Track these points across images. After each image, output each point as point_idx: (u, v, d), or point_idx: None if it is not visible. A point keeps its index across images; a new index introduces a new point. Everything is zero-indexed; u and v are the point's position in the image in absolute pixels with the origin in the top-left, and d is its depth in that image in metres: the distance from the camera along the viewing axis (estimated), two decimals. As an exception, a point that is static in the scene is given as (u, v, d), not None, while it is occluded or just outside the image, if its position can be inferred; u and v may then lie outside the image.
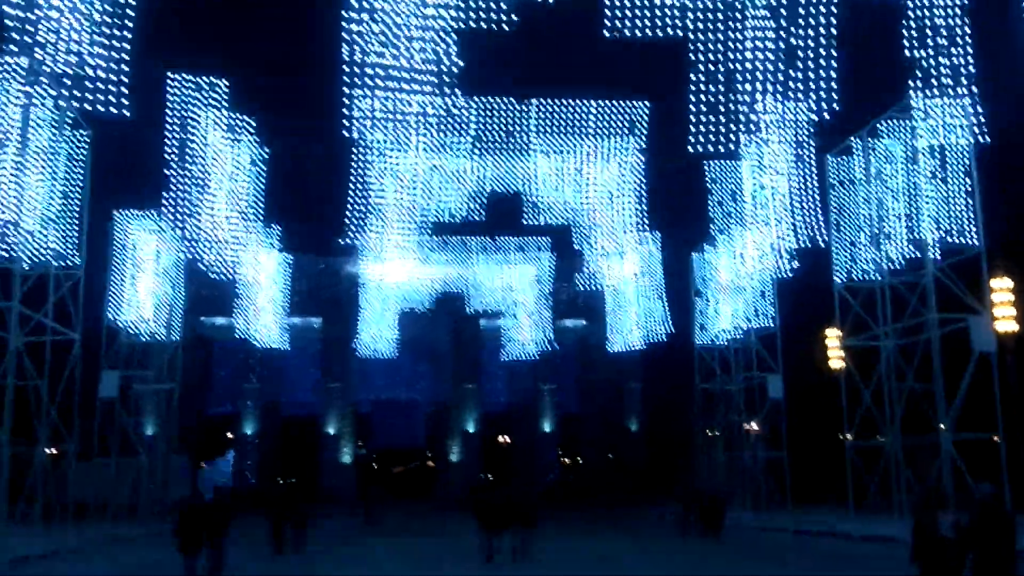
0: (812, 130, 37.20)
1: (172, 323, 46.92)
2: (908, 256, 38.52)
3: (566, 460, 75.47)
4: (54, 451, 40.60)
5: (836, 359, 47.96)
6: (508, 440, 77.51)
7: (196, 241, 37.05)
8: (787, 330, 46.90)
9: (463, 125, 38.63)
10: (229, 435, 72.53)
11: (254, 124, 38.35)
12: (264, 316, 48.91)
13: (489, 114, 39.19)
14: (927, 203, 37.36)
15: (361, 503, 41.59)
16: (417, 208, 39.97)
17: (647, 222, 41.53)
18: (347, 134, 33.94)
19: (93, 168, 40.25)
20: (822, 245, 39.44)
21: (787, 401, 46.92)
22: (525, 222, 42.20)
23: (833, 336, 47.14)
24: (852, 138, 40.37)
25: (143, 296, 44.70)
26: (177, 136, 35.88)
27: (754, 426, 51.00)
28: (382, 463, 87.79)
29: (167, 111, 35.30)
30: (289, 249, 49.60)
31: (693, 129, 31.82)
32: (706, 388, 51.80)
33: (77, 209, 38.71)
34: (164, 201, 35.74)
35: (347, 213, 38.58)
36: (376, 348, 50.35)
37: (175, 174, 36.25)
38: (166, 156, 35.99)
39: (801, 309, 46.55)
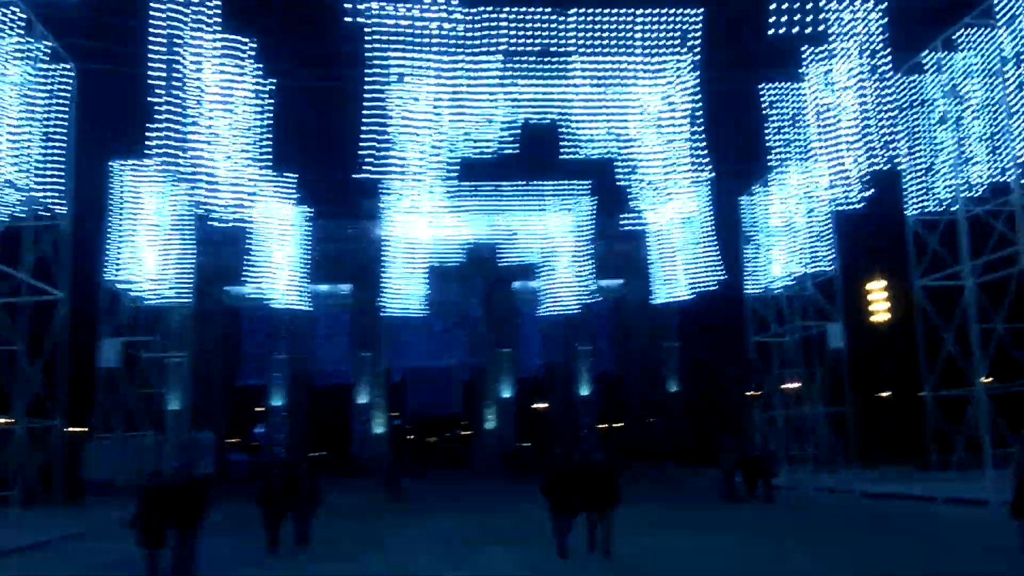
0: (884, 40, 30.64)
1: (182, 285, 41.04)
2: (992, 181, 32.06)
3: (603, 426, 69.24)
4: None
5: (882, 312, 41.58)
6: (545, 405, 71.87)
7: (195, 184, 31.02)
8: (848, 273, 40.26)
9: (491, 41, 32.18)
10: (258, 409, 67.42)
11: (254, 47, 32.06)
12: (282, 274, 42.88)
13: (521, 27, 32.52)
14: (1014, 119, 30.75)
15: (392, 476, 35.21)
16: (443, 143, 33.64)
17: (700, 156, 34.36)
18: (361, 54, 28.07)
19: (82, 110, 34.68)
20: (901, 169, 32.69)
21: (849, 351, 40.31)
22: (563, 155, 35.20)
23: (878, 288, 40.74)
24: (924, 52, 33.68)
25: (147, 254, 38.95)
26: (165, 65, 29.87)
27: (793, 384, 44.59)
28: (417, 433, 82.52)
29: (150, 33, 29.27)
30: (307, 203, 43.36)
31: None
32: (758, 341, 44.95)
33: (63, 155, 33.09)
34: (154, 143, 29.72)
35: (364, 151, 32.15)
36: (405, 307, 44.13)
37: (167, 111, 30.27)
38: (155, 91, 29.97)
39: (862, 249, 39.90)
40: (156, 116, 29.12)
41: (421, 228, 40.05)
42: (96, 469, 38.08)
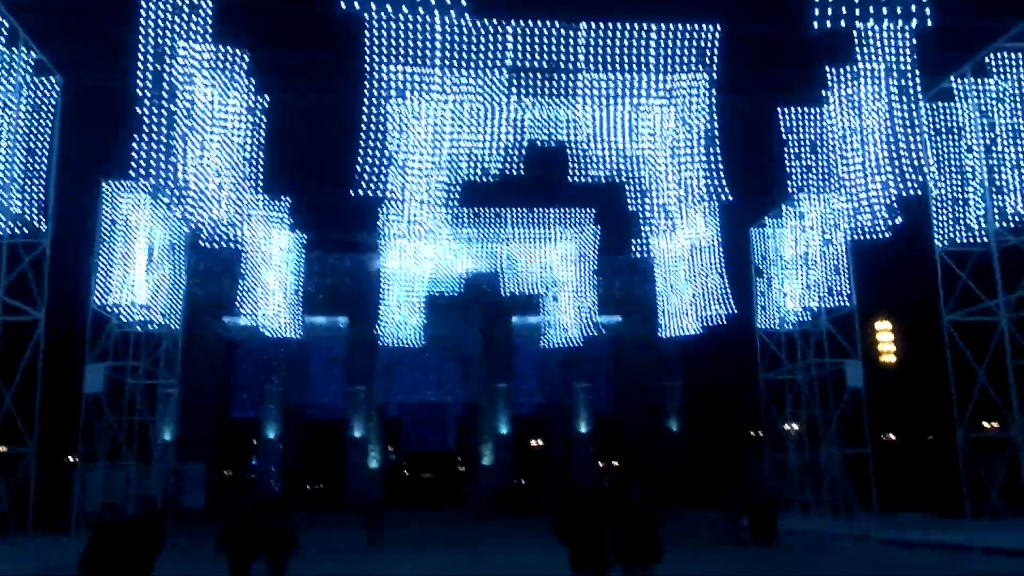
0: (913, 62, 28.03)
1: (172, 310, 37.99)
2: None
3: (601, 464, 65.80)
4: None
5: (888, 353, 38.83)
6: (541, 443, 68.63)
7: (183, 201, 28.06)
8: (867, 308, 37.29)
9: (497, 56, 29.38)
10: (254, 441, 64.07)
11: (247, 61, 29.35)
12: (275, 301, 39.86)
13: (529, 41, 29.64)
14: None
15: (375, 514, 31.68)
16: (445, 163, 30.78)
17: (716, 181, 31.30)
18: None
19: (70, 125, 32.03)
20: (929, 198, 30.00)
21: (868, 390, 37.10)
22: (571, 178, 32.18)
23: (885, 328, 37.96)
24: (952, 77, 31.18)
25: (136, 278, 35.88)
26: (153, 75, 27.06)
27: (795, 426, 41.51)
28: (411, 468, 79.13)
29: (139, 41, 26.50)
30: (302, 230, 40.51)
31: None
32: (768, 378, 41.71)
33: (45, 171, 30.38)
34: (140, 157, 26.82)
35: (361, 171, 29.21)
36: (401, 337, 41.09)
37: (154, 124, 27.44)
38: (142, 102, 27.17)
39: (882, 283, 37.03)
40: (143, 128, 26.22)
41: (420, 253, 37.14)
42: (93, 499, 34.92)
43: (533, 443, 69.09)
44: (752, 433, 45.73)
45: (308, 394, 64.19)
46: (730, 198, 31.44)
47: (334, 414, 63.15)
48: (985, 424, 34.34)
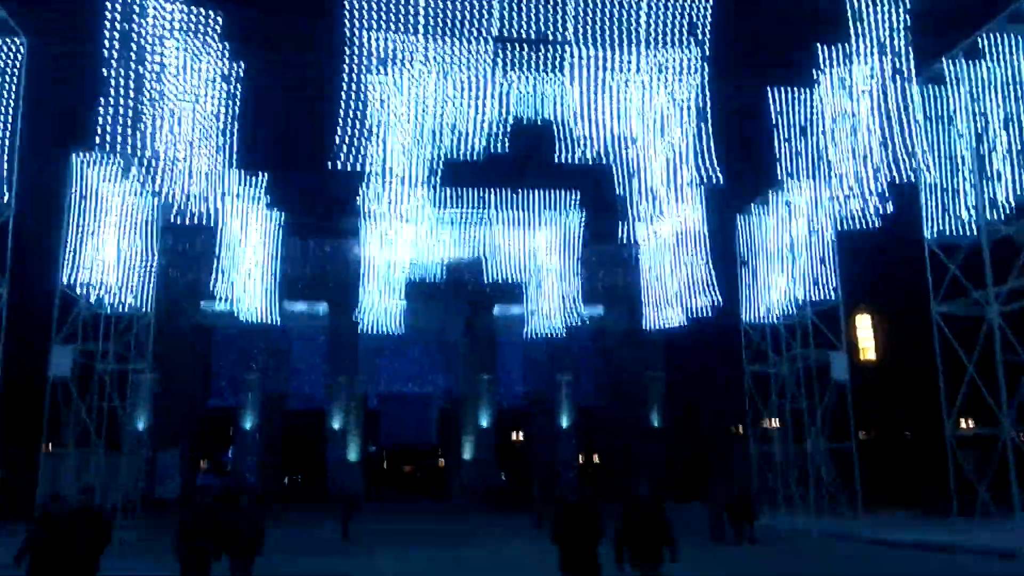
0: (907, 43, 26.81)
1: (144, 290, 36.34)
2: (1018, 200, 28.30)
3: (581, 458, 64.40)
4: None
5: (868, 350, 37.70)
6: (523, 436, 67.24)
7: (151, 172, 26.57)
8: (853, 299, 35.99)
9: (483, 25, 27.88)
10: (231, 431, 62.37)
11: (220, 24, 27.77)
12: (252, 282, 38.30)
13: (516, 10, 28.05)
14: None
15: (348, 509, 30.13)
16: (427, 138, 29.32)
17: (708, 163, 29.89)
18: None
19: (37, 92, 30.36)
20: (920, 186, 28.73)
21: (854, 384, 35.84)
22: (557, 159, 30.68)
23: (870, 321, 36.80)
24: (943, 58, 29.91)
25: (106, 255, 34.23)
26: (119, 37, 25.52)
27: (775, 423, 40.26)
28: (391, 461, 77.52)
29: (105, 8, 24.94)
30: (280, 208, 38.89)
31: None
32: (754, 371, 40.32)
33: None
34: (105, 123, 25.29)
35: (341, 142, 27.69)
36: (381, 323, 39.63)
37: (121, 91, 25.92)
38: (108, 64, 25.61)
39: (869, 273, 35.78)
40: (108, 92, 24.68)
41: (400, 236, 35.70)
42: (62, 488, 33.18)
43: (515, 436, 67.66)
44: (734, 427, 44.39)
45: (288, 383, 62.54)
46: (720, 178, 30.08)
47: (314, 403, 61.65)
48: (970, 422, 33.09)
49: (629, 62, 29.62)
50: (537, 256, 41.29)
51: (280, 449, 61.46)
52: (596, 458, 67.22)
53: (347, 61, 27.74)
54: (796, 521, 33.54)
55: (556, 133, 30.53)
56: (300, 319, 58.86)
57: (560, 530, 12.74)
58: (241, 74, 29.73)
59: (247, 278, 38.28)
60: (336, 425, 58.41)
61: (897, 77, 26.36)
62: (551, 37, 28.96)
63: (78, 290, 34.03)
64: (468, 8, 28.37)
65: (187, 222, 31.40)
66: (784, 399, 38.20)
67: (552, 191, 40.72)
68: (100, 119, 24.86)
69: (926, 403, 32.61)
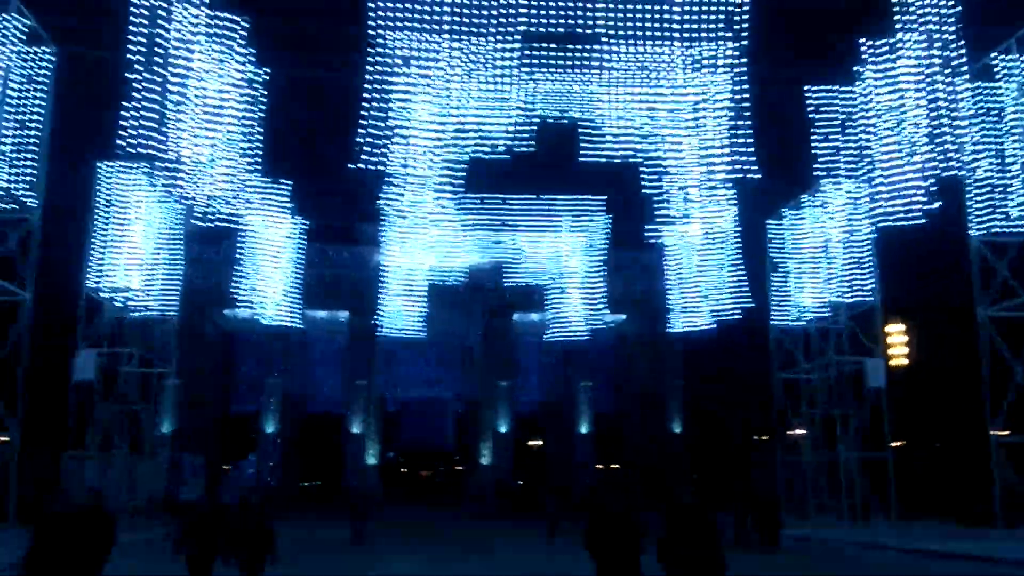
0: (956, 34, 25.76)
1: (169, 296, 35.59)
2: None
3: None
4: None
5: (900, 356, 36.64)
6: (541, 442, 66.20)
7: (176, 176, 25.76)
8: (892, 302, 34.74)
9: (509, 22, 26.75)
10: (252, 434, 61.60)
11: (246, 29, 26.95)
12: (274, 287, 37.51)
13: (541, 10, 26.83)
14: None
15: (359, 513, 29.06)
16: (451, 138, 28.31)
17: (744, 162, 28.68)
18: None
19: (66, 100, 29.73)
20: (971, 181, 27.58)
21: (890, 391, 34.58)
22: (583, 156, 29.46)
23: (908, 324, 35.71)
24: (993, 54, 28.81)
25: (132, 260, 33.45)
26: (147, 41, 24.73)
27: (805, 430, 38.89)
28: (409, 465, 76.73)
29: (133, 3, 24.16)
30: (303, 215, 38.06)
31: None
32: (784, 377, 39.04)
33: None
34: (129, 130, 24.50)
35: (364, 142, 26.74)
36: (401, 328, 38.76)
37: (145, 95, 25.16)
38: (134, 69, 24.83)
39: (908, 275, 34.57)
40: (133, 96, 23.90)
41: (421, 240, 34.78)
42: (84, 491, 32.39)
43: (533, 442, 66.65)
44: (759, 435, 43.19)
45: (309, 387, 61.99)
46: (756, 176, 28.90)
47: (334, 408, 60.98)
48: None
49: (663, 57, 28.43)
50: (559, 261, 40.15)
51: (301, 453, 60.74)
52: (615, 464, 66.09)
53: (370, 61, 26.80)
54: (826, 530, 32.41)
55: (583, 132, 29.41)
56: (320, 324, 58.14)
57: (596, 540, 11.39)
58: (266, 78, 28.87)
59: (269, 284, 37.48)
60: (355, 429, 57.64)
61: (945, 70, 25.26)
62: (579, 33, 27.78)
63: (103, 295, 33.41)
64: (494, 5, 27.31)
65: (211, 225, 30.62)
66: (815, 408, 37.01)
67: (576, 195, 39.59)
68: (126, 124, 23.97)
69: (964, 410, 31.38)
